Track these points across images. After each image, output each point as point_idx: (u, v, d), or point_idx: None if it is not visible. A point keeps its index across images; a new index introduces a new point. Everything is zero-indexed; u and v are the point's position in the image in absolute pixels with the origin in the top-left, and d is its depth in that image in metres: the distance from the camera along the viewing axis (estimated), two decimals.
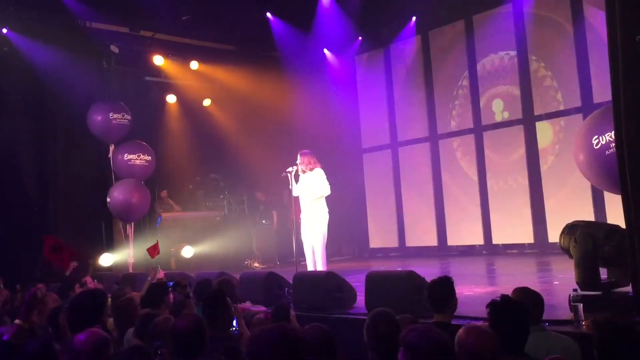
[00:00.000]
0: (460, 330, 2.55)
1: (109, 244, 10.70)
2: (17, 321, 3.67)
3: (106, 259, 10.28)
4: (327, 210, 7.62)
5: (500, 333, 2.81)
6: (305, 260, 7.73)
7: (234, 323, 3.98)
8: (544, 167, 10.22)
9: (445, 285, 3.64)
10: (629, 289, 4.18)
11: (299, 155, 7.72)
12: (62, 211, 10.52)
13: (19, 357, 2.98)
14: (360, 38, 12.57)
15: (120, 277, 8.31)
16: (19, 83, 10.26)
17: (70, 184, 10.64)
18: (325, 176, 7.63)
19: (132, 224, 10.53)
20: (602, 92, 9.19)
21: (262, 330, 2.05)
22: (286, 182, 7.78)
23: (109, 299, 4.80)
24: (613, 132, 4.23)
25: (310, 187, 7.60)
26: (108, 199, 10.21)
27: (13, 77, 10.15)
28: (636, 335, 2.54)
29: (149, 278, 6.14)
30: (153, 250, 7.00)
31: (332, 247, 11.76)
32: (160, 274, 6.25)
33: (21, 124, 10.46)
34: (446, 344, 2.05)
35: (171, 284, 4.75)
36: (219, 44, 12.48)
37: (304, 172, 7.66)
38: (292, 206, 7.86)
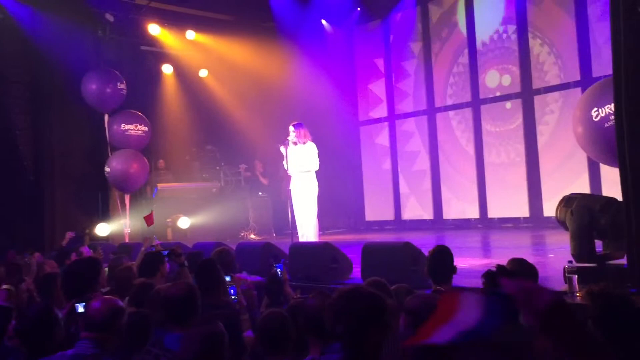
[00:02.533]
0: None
1: (105, 214, 10.69)
2: (4, 286, 3.68)
3: (102, 229, 10.29)
4: (316, 182, 7.67)
5: None
6: None
7: (233, 292, 3.99)
8: (540, 141, 10.20)
9: (444, 255, 3.65)
10: (623, 261, 4.20)
11: (292, 127, 7.71)
12: (58, 180, 10.48)
13: (17, 320, 2.99)
14: (358, 9, 12.41)
15: (116, 247, 8.32)
16: (13, 50, 10.13)
17: (66, 154, 10.58)
18: (317, 151, 7.66)
19: (129, 194, 10.53)
20: (602, 66, 9.15)
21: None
22: (281, 154, 7.77)
23: (106, 269, 4.82)
24: (613, 105, 4.20)
25: (302, 160, 7.63)
26: (107, 169, 10.18)
27: (7, 44, 10.02)
28: (630, 306, 2.55)
29: (143, 248, 6.15)
30: (148, 219, 7.01)
31: (328, 220, 11.80)
32: (156, 242, 6.27)
33: (16, 91, 10.35)
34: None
35: (166, 252, 4.75)
36: (216, 13, 12.30)
37: (295, 143, 7.66)
38: (287, 178, 7.87)
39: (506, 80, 10.65)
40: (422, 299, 2.10)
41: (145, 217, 7.14)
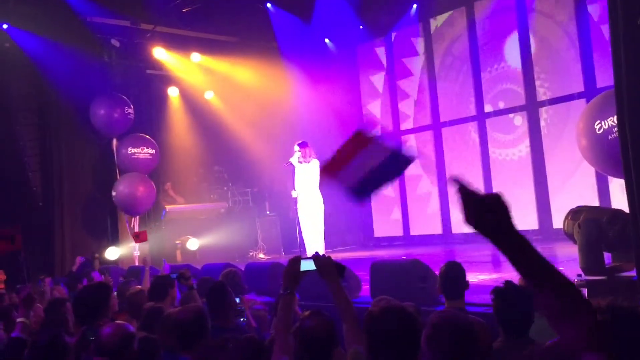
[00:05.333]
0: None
1: (114, 238, 10.74)
2: (19, 319, 3.70)
3: (112, 253, 10.33)
4: (322, 199, 7.75)
5: (505, 319, 2.83)
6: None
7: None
8: (547, 153, 10.18)
9: (456, 271, 3.63)
10: (633, 273, 4.17)
11: (297, 146, 7.84)
12: (67, 206, 10.56)
13: (30, 351, 3.01)
14: (361, 27, 12.50)
15: (125, 270, 8.35)
16: (20, 78, 10.28)
17: (75, 179, 10.68)
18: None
19: (137, 217, 10.58)
20: (605, 77, 9.15)
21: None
22: (289, 173, 7.89)
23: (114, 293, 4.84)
24: (615, 117, 4.20)
25: (309, 178, 7.72)
26: (113, 193, 10.26)
27: (15, 73, 10.16)
28: (639, 319, 2.54)
29: (146, 268, 6.17)
30: (141, 236, 6.99)
31: (337, 237, 11.81)
32: (165, 265, 6.29)
33: (24, 119, 10.49)
34: (471, 327, 2.06)
35: (174, 276, 4.77)
36: (220, 35, 12.44)
37: (300, 162, 7.79)
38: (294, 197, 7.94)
39: (511, 92, 10.65)
40: (445, 314, 2.16)
41: (136, 234, 7.12)
